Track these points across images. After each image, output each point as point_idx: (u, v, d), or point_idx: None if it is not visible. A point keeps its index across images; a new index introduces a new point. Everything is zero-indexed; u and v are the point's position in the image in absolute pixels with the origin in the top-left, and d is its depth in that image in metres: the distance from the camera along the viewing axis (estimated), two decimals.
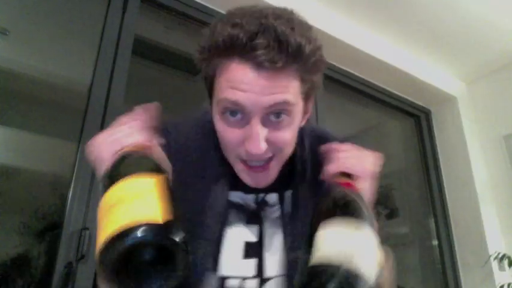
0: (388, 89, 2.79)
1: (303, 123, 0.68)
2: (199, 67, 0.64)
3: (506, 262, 2.40)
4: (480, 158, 2.79)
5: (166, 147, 0.60)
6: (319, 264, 0.47)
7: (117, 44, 1.68)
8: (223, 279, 0.64)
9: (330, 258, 0.47)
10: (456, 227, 2.68)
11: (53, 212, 1.48)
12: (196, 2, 2.00)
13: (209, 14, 2.02)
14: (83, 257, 1.33)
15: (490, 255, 2.43)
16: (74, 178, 1.42)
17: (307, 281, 0.48)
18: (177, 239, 0.40)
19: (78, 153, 1.46)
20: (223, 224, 0.66)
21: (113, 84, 1.61)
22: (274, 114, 0.58)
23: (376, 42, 2.54)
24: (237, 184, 0.67)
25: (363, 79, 2.65)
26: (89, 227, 1.37)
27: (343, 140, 0.71)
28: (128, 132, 0.54)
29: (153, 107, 0.61)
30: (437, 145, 2.93)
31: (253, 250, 0.66)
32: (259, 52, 0.54)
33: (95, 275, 1.35)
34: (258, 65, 0.55)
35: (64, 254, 1.31)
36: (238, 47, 0.55)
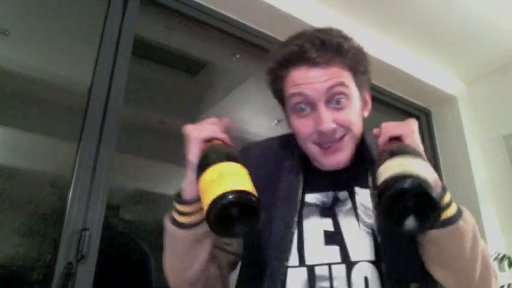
0: (388, 89, 2.79)
1: (366, 113, 0.83)
2: (270, 89, 0.79)
3: (506, 263, 2.40)
4: (480, 158, 2.79)
5: (247, 162, 0.69)
6: (394, 174, 0.54)
7: (117, 44, 1.68)
8: (311, 268, 0.68)
9: (402, 170, 0.54)
10: None
11: (53, 212, 1.48)
12: (196, 2, 2.00)
13: (209, 14, 2.02)
14: (83, 257, 1.32)
15: (490, 256, 2.43)
16: (74, 178, 1.42)
17: (385, 188, 0.54)
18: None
19: (78, 153, 1.46)
20: (299, 217, 0.73)
21: (113, 84, 1.61)
22: (335, 101, 0.71)
23: (376, 42, 2.54)
24: (311, 187, 0.77)
25: None
26: (89, 227, 1.37)
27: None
28: (215, 129, 0.66)
29: (225, 120, 0.71)
30: (438, 145, 2.93)
31: (333, 238, 0.71)
32: (309, 54, 0.70)
33: (95, 275, 1.35)
34: (311, 64, 0.71)
35: (64, 254, 1.31)
36: (294, 57, 0.72)
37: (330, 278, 0.67)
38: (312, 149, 0.74)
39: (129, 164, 1.91)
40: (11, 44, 1.62)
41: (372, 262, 0.67)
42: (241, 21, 2.12)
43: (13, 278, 1.35)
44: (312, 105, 0.71)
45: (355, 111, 0.75)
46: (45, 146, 1.62)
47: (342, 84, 0.72)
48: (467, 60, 2.80)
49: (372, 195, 0.73)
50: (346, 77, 0.73)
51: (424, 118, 3.01)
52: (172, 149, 2.01)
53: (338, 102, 0.72)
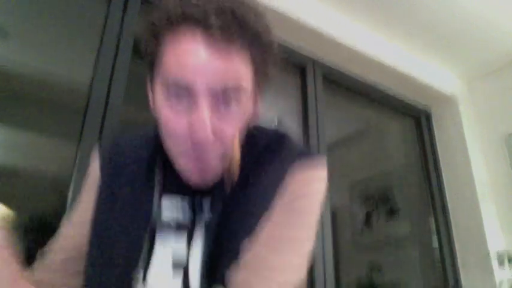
0: (388, 89, 2.79)
1: (253, 120, 0.62)
2: (145, 48, 0.60)
3: (506, 260, 2.40)
4: (480, 157, 2.79)
5: (106, 164, 0.66)
6: None
7: (117, 44, 1.68)
8: None
9: None
10: (456, 225, 2.68)
11: (53, 212, 1.48)
12: None
13: None
14: None
15: (490, 253, 2.44)
16: (73, 178, 1.42)
17: None
18: None
19: (78, 153, 1.46)
20: (152, 231, 0.58)
21: (113, 84, 1.61)
22: (224, 104, 0.54)
23: (376, 42, 2.54)
24: (172, 188, 0.61)
25: (363, 80, 2.65)
26: None
27: (301, 150, 0.64)
28: None
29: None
30: (437, 145, 2.93)
31: (181, 267, 0.57)
32: (211, 19, 0.50)
33: None
34: (209, 35, 0.51)
35: None
36: (189, 14, 0.52)
37: None
38: (179, 159, 0.57)
39: None
40: (11, 44, 1.62)
41: None
42: None
43: None
44: (191, 97, 0.53)
45: (241, 121, 0.57)
46: (45, 145, 1.62)
47: (239, 87, 0.54)
48: (468, 60, 2.80)
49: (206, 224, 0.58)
50: (247, 75, 0.55)
51: (424, 118, 3.01)
52: None
53: (227, 107, 0.54)
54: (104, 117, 1.54)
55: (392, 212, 2.76)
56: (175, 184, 0.60)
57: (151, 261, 0.57)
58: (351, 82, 2.59)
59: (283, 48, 2.51)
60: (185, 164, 0.56)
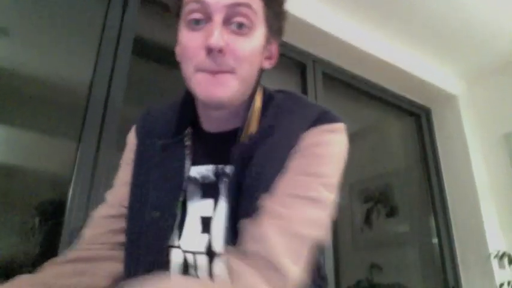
0: (388, 87, 2.79)
1: (267, 65, 0.69)
2: (171, 4, 0.68)
3: (506, 260, 2.40)
4: (480, 156, 2.79)
5: (139, 128, 0.72)
6: None
7: (117, 44, 1.68)
8: (184, 253, 0.64)
9: None
10: (456, 225, 2.69)
11: (53, 212, 1.48)
12: None
13: None
14: None
15: (490, 253, 2.44)
16: (74, 177, 1.42)
17: None
18: None
19: (78, 152, 1.46)
20: (182, 197, 0.65)
21: (112, 84, 1.61)
22: (236, 23, 0.60)
23: (377, 40, 2.54)
24: (198, 156, 0.68)
25: (363, 78, 2.65)
26: None
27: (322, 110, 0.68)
28: None
29: None
30: (438, 144, 2.93)
31: (208, 225, 0.64)
32: None
33: None
34: None
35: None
36: None
37: (195, 267, 0.63)
38: (194, 78, 0.61)
39: None
40: (11, 44, 1.62)
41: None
42: None
43: (13, 277, 1.35)
44: (208, 19, 0.60)
45: (254, 45, 0.62)
46: (45, 145, 1.62)
47: (249, 5, 0.60)
48: (468, 59, 2.80)
49: (230, 176, 0.63)
50: (257, 3, 0.62)
51: (425, 117, 3.01)
52: None
53: (239, 27, 0.60)
54: (104, 117, 1.54)
55: (392, 212, 2.76)
56: (202, 155, 0.67)
57: (185, 218, 0.65)
58: (351, 81, 2.59)
59: (283, 46, 2.49)
60: (200, 78, 0.61)
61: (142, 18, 1.82)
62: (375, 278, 2.59)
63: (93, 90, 1.57)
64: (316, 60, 2.43)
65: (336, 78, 2.53)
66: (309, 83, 2.34)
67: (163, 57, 2.09)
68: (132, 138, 0.75)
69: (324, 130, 0.64)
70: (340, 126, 0.67)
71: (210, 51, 0.58)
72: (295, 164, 0.61)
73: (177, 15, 0.66)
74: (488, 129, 2.83)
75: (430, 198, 2.78)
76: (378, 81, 2.72)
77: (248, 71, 0.62)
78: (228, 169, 0.65)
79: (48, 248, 1.44)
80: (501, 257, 2.41)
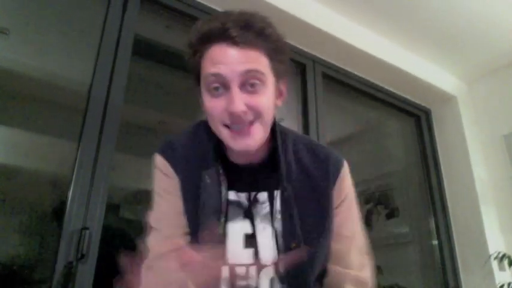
0: (388, 88, 2.79)
1: (279, 102, 0.82)
2: (189, 64, 0.78)
3: (506, 262, 2.40)
4: (480, 157, 2.80)
5: (173, 161, 0.80)
6: None
7: (117, 44, 1.68)
8: (232, 267, 0.76)
9: None
10: (456, 226, 2.68)
11: (53, 212, 1.48)
12: (197, 1, 2.00)
13: (209, 13, 2.02)
14: (83, 256, 1.33)
15: (490, 255, 2.43)
16: (74, 178, 1.42)
17: None
18: None
19: (78, 153, 1.46)
20: (224, 218, 0.77)
21: (112, 84, 1.61)
22: (249, 84, 0.72)
23: (376, 41, 2.54)
24: (232, 184, 0.79)
25: (363, 78, 2.65)
26: (89, 227, 1.37)
27: (331, 152, 0.86)
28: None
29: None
30: (438, 144, 2.93)
31: (250, 241, 0.77)
32: (231, 32, 0.70)
33: (95, 274, 1.35)
34: (231, 42, 0.71)
35: (64, 253, 1.31)
36: (216, 33, 0.72)
37: (246, 277, 0.76)
38: (223, 132, 0.74)
39: (129, 164, 1.91)
40: (11, 44, 1.62)
41: (278, 264, 0.76)
42: None
43: (13, 277, 1.35)
44: (226, 86, 0.71)
45: (268, 97, 0.75)
46: (45, 145, 1.62)
47: (258, 69, 0.72)
48: (468, 60, 2.80)
49: (281, 201, 0.78)
50: (264, 63, 0.74)
51: (424, 117, 3.01)
52: None
53: (252, 86, 0.72)
54: (104, 117, 1.54)
55: (392, 212, 2.76)
56: (235, 183, 0.80)
57: (227, 235, 0.77)
58: (351, 81, 2.59)
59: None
60: (228, 133, 0.74)
61: (142, 18, 1.82)
62: (375, 280, 2.58)
63: (93, 90, 1.57)
64: (316, 60, 2.43)
65: (336, 79, 2.53)
66: (309, 83, 2.35)
67: (163, 57, 2.09)
68: (170, 173, 0.82)
69: (346, 176, 0.85)
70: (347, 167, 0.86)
71: (232, 115, 0.71)
72: (344, 209, 0.83)
73: (197, 81, 0.78)
74: (488, 129, 2.83)
75: (430, 199, 2.77)
76: (378, 82, 2.72)
77: (268, 117, 0.75)
78: (260, 196, 0.80)
79: (48, 248, 1.44)
80: (501, 259, 2.41)
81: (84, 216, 1.39)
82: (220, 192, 0.77)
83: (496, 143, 2.77)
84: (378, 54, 2.50)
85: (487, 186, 2.71)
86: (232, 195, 0.79)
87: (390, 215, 2.76)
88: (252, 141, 0.73)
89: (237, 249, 0.77)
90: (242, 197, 0.79)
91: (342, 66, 2.54)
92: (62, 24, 1.74)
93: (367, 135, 2.98)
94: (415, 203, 2.82)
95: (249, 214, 0.79)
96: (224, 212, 0.77)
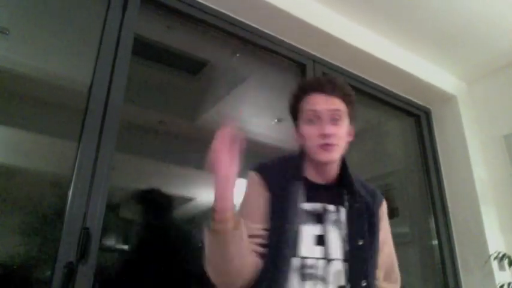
0: (388, 88, 2.79)
1: (349, 139, 1.14)
2: (290, 106, 1.17)
3: (506, 262, 2.40)
4: (480, 157, 2.80)
5: (265, 182, 1.08)
6: None
7: (117, 44, 1.68)
8: (303, 259, 1.00)
9: None
10: (456, 226, 2.69)
11: (53, 212, 1.48)
12: (197, 1, 2.00)
13: (209, 13, 2.02)
14: (83, 256, 1.33)
15: (490, 255, 2.43)
16: (74, 178, 1.42)
17: None
18: None
19: (78, 152, 1.46)
20: (300, 223, 1.03)
21: (113, 84, 1.61)
22: (334, 119, 1.07)
23: (376, 41, 2.54)
24: (309, 197, 1.08)
25: (363, 78, 2.65)
26: (89, 227, 1.37)
27: (374, 186, 1.20)
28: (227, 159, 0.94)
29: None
30: (438, 144, 2.93)
31: (320, 240, 1.03)
32: (324, 86, 1.10)
33: (95, 275, 1.35)
34: (324, 92, 1.09)
35: (64, 253, 1.31)
36: (314, 86, 1.12)
37: (316, 268, 1.00)
38: (315, 148, 1.07)
39: (129, 164, 1.91)
40: (11, 43, 1.62)
41: (343, 260, 1.03)
42: (241, 20, 2.13)
43: (14, 277, 1.36)
44: (319, 119, 1.07)
45: (344, 130, 1.10)
46: (45, 145, 1.62)
47: (340, 110, 1.09)
48: (468, 60, 2.80)
49: (348, 213, 1.08)
50: (343, 108, 1.10)
51: (424, 117, 3.02)
52: (172, 148, 2.00)
53: (335, 120, 1.08)
54: (104, 117, 1.54)
55: (392, 212, 2.76)
56: (312, 197, 1.08)
57: (301, 238, 1.02)
58: (351, 81, 2.59)
59: (283, 46, 2.47)
60: (319, 150, 1.06)
61: (142, 18, 1.82)
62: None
63: (93, 90, 1.57)
64: (316, 60, 2.43)
65: None
66: None
67: (163, 56, 2.10)
68: (263, 191, 1.09)
69: (385, 205, 1.22)
70: None
71: (324, 136, 1.05)
72: (385, 227, 1.20)
73: (293, 116, 1.16)
74: (488, 129, 2.83)
75: (430, 199, 2.78)
76: (378, 82, 2.73)
77: (343, 144, 1.10)
78: (329, 207, 1.08)
79: (48, 248, 1.44)
80: (501, 259, 2.41)
81: (84, 216, 1.39)
82: (299, 203, 1.05)
83: (496, 143, 2.77)
84: (378, 54, 2.50)
85: (487, 186, 2.71)
86: (308, 206, 1.07)
87: (390, 215, 2.75)
88: (334, 155, 1.07)
89: (310, 246, 1.02)
90: (316, 206, 1.07)
91: (342, 66, 2.54)
92: (62, 24, 1.74)
93: (366, 135, 2.98)
94: (415, 203, 2.82)
95: (320, 220, 1.06)
96: (300, 217, 1.03)
